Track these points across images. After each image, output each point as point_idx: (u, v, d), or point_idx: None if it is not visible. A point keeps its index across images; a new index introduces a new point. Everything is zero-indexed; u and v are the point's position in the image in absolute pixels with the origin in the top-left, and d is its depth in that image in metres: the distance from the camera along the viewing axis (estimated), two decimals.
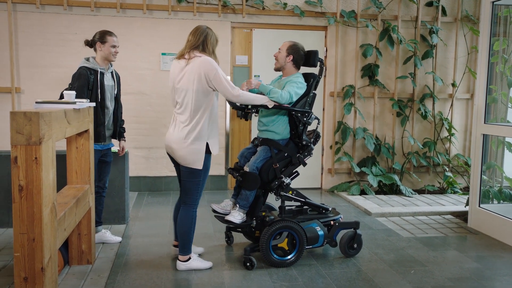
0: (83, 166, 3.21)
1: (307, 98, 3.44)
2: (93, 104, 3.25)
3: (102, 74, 3.49)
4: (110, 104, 3.59)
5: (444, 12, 5.95)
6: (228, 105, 5.64)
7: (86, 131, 3.17)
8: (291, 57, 3.47)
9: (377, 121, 6.02)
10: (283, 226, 3.28)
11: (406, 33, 5.96)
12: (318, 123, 3.56)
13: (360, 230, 3.60)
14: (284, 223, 3.28)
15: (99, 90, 3.45)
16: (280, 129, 3.43)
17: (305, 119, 3.39)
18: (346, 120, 5.92)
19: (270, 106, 3.28)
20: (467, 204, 4.73)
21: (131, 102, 5.49)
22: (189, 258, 3.25)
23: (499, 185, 4.75)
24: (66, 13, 5.26)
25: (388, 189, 5.71)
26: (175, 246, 3.50)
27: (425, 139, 6.09)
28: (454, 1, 6.01)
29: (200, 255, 3.45)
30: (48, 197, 2.26)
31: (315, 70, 3.68)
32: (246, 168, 3.39)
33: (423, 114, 5.90)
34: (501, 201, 4.57)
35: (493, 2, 4.25)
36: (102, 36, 3.53)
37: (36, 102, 2.72)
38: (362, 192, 5.70)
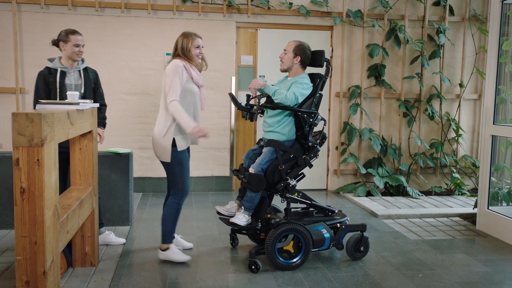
0: (86, 168, 3.18)
1: (313, 98, 3.39)
2: (97, 104, 3.23)
3: (63, 73, 3.43)
4: None
5: (451, 12, 5.88)
6: (233, 106, 5.61)
7: (90, 132, 3.14)
8: (298, 58, 3.42)
9: (383, 121, 5.96)
10: (289, 228, 3.23)
11: (413, 32, 5.89)
12: (325, 124, 3.51)
13: (367, 233, 3.54)
14: (290, 225, 3.24)
15: (57, 91, 3.39)
16: (285, 130, 3.39)
17: (311, 120, 3.34)
18: (352, 121, 5.87)
19: (190, 132, 3.11)
20: (475, 206, 4.66)
21: (135, 102, 5.46)
22: (167, 248, 3.37)
23: (508, 187, 4.68)
24: (70, 13, 5.24)
25: (395, 190, 5.65)
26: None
27: (432, 140, 6.02)
28: (461, 0, 5.94)
29: (188, 249, 3.55)
30: (50, 199, 2.23)
31: (321, 70, 3.64)
32: (251, 170, 3.34)
33: (430, 114, 5.83)
34: (510, 203, 4.49)
35: (502, 1, 4.18)
36: (65, 35, 3.46)
37: (39, 103, 2.70)
38: (368, 194, 5.64)
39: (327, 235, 3.37)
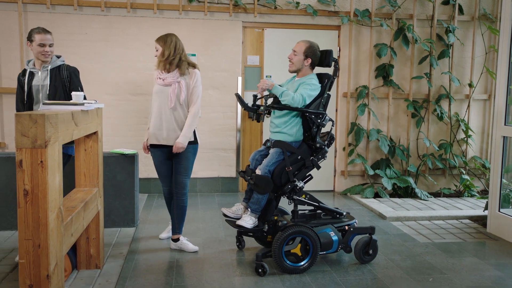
0: (91, 169, 3.14)
1: (321, 99, 3.33)
2: (102, 105, 3.18)
3: (32, 74, 3.37)
4: (39, 107, 3.32)
5: (461, 11, 5.80)
6: (239, 106, 5.56)
7: (95, 133, 3.10)
8: (309, 61, 3.36)
9: (391, 122, 5.88)
10: (296, 231, 3.17)
11: (421, 32, 5.81)
12: (333, 125, 3.45)
13: (375, 236, 3.48)
14: (297, 228, 3.18)
15: (25, 93, 3.36)
16: (293, 131, 3.33)
17: (319, 121, 3.28)
18: (359, 121, 5.80)
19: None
20: (486, 208, 4.58)
21: (141, 103, 5.43)
22: (178, 238, 3.68)
23: None
24: (76, 13, 5.22)
25: (403, 192, 5.57)
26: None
27: (441, 140, 5.94)
28: None
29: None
30: (54, 201, 2.19)
31: (329, 70, 3.58)
32: (258, 171, 3.29)
33: (439, 115, 5.75)
34: None
35: None
36: (30, 35, 3.32)
37: (43, 104, 2.66)
38: (376, 195, 5.57)
39: (335, 238, 3.32)
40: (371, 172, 5.61)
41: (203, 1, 5.40)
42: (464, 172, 5.83)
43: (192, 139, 3.54)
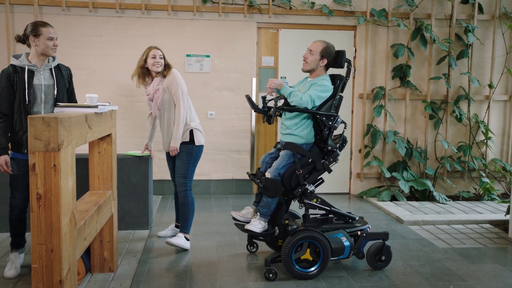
0: (105, 171, 3.12)
1: (333, 101, 3.24)
2: (116, 107, 3.15)
3: (31, 72, 3.00)
4: (42, 108, 3.04)
5: (480, 10, 5.66)
6: None
7: (109, 135, 3.08)
8: (325, 62, 3.28)
9: (408, 124, 5.77)
10: (306, 236, 3.08)
11: (439, 32, 5.69)
12: (345, 128, 3.34)
13: (389, 241, 3.36)
14: (307, 233, 3.09)
15: (26, 92, 2.96)
16: (303, 133, 3.24)
17: (330, 123, 3.19)
18: (375, 123, 5.70)
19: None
20: (507, 212, 4.45)
21: None
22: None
23: None
24: (91, 15, 5.22)
25: (420, 195, 5.46)
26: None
27: (459, 143, 5.81)
28: None
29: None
30: (67, 206, 2.16)
31: (342, 71, 3.49)
32: (268, 174, 3.19)
33: (458, 116, 5.62)
34: None
35: None
36: (35, 28, 2.99)
37: (57, 106, 2.65)
38: (393, 198, 5.46)
39: (346, 243, 3.22)
40: (387, 175, 5.51)
41: (217, 1, 5.36)
42: (483, 175, 5.69)
43: (187, 139, 3.63)
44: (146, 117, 5.41)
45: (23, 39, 3.05)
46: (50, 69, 3.11)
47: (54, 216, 2.09)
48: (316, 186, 3.26)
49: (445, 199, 5.37)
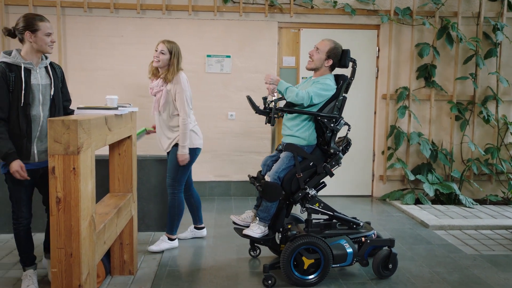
0: (125, 173, 3.10)
1: (336, 101, 3.12)
2: (136, 109, 3.12)
3: (28, 71, 2.68)
4: (40, 110, 2.73)
5: (510, 7, 5.47)
6: None
7: (129, 136, 3.05)
8: (330, 62, 3.17)
9: (433, 125, 5.62)
10: (306, 242, 2.97)
11: (466, 30, 5.52)
12: (349, 130, 3.21)
13: (395, 249, 3.21)
14: (307, 239, 2.97)
15: (23, 92, 2.64)
16: (305, 134, 3.13)
17: (332, 125, 3.07)
18: (399, 124, 5.56)
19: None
20: None
21: None
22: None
23: None
24: (112, 16, 5.23)
25: (446, 198, 5.30)
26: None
27: (487, 144, 5.62)
28: None
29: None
30: (86, 209, 2.14)
31: (347, 72, 3.35)
32: (267, 178, 3.08)
33: (485, 117, 5.44)
34: None
35: None
36: (31, 23, 2.66)
37: (78, 108, 2.63)
38: (417, 202, 5.32)
39: (349, 250, 3.08)
40: (411, 177, 5.37)
41: (238, 1, 5.31)
42: None
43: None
44: None
45: (13, 33, 2.73)
46: (46, 67, 2.81)
47: (74, 220, 2.07)
48: (317, 190, 3.15)
49: (472, 203, 5.20)
